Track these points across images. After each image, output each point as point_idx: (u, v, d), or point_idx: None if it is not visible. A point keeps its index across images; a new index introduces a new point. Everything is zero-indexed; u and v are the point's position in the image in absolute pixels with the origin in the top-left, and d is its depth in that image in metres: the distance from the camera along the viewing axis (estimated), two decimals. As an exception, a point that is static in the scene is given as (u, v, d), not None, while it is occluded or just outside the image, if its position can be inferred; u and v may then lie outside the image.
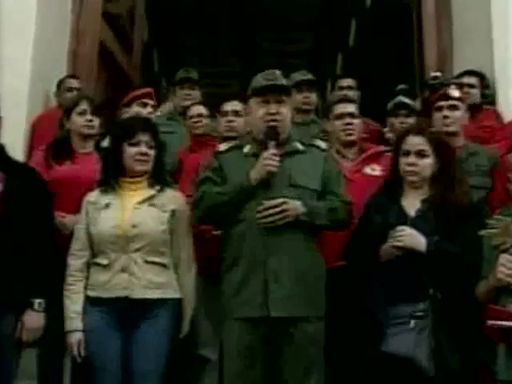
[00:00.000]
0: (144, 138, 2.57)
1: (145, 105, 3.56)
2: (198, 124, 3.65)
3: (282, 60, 9.20)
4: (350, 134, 3.14)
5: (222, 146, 2.72)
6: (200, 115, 3.68)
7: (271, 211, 2.48)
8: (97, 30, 4.61)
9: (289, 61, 9.31)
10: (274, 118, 2.60)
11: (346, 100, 3.27)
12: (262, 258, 2.45)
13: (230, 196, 2.54)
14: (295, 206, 2.50)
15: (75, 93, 4.03)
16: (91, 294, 2.48)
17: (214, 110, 3.58)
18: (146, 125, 2.62)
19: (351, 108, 3.19)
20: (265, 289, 2.45)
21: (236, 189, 2.54)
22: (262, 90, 2.65)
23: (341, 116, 3.16)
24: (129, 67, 5.57)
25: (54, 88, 4.12)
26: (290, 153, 2.62)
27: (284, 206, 2.48)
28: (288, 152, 2.62)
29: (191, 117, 3.74)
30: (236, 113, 3.37)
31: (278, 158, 2.52)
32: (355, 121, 3.16)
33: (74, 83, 4.11)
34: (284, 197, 2.50)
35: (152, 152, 2.58)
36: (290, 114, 2.66)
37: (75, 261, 2.52)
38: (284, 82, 2.67)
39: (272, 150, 2.53)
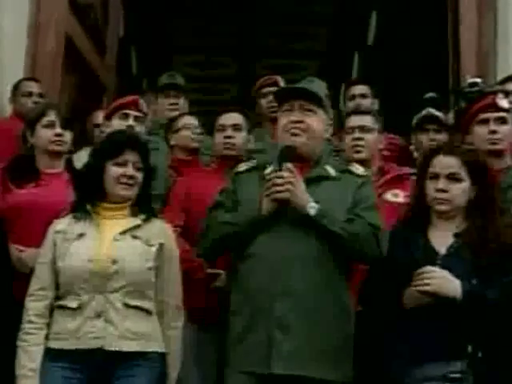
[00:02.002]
0: (132, 157, 2.63)
1: (126, 116, 3.63)
2: (188, 139, 3.77)
3: (289, 61, 9.35)
4: (359, 152, 3.23)
5: (241, 166, 2.83)
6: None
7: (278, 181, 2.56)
8: (62, 24, 4.67)
9: (296, 62, 9.47)
10: (296, 126, 2.69)
11: (358, 111, 3.37)
12: (268, 301, 2.53)
13: (239, 227, 2.63)
14: (301, 189, 2.58)
15: (35, 98, 4.12)
16: (54, 345, 2.49)
17: (208, 123, 3.71)
18: (135, 142, 2.67)
19: (363, 120, 3.29)
20: (270, 339, 2.53)
21: (246, 219, 2.63)
22: (284, 94, 2.74)
23: (350, 130, 3.25)
24: (101, 68, 5.67)
25: (8, 93, 4.20)
26: (317, 178, 2.71)
27: (288, 186, 2.56)
28: (314, 177, 2.70)
29: (178, 130, 3.85)
30: (236, 127, 3.47)
31: (294, 183, 2.59)
32: (367, 135, 3.26)
33: (33, 87, 4.20)
34: (294, 234, 2.58)
35: (139, 175, 2.65)
36: (321, 128, 2.74)
37: (35, 303, 2.54)
38: (315, 87, 2.75)
39: (285, 173, 2.60)
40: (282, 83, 4.41)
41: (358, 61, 9.21)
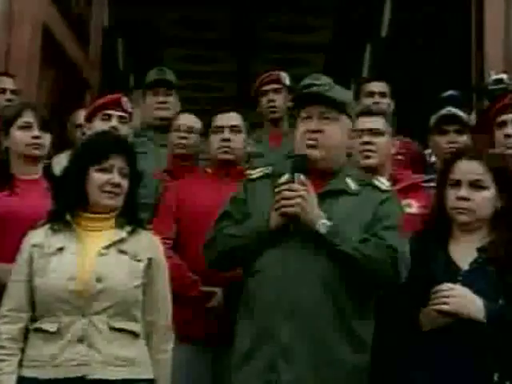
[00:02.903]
0: (118, 162, 2.63)
1: (108, 117, 3.63)
2: (184, 141, 3.75)
3: (291, 55, 9.37)
4: (368, 157, 3.25)
5: (255, 173, 2.85)
6: (190, 129, 3.80)
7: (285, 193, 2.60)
8: (39, 13, 4.66)
9: (299, 56, 9.48)
10: (312, 137, 2.70)
11: (369, 113, 3.38)
12: (273, 324, 2.58)
13: (246, 241, 2.67)
14: (312, 203, 2.60)
15: (8, 95, 4.12)
16: (28, 373, 2.48)
17: (204, 124, 3.71)
18: (121, 145, 2.67)
19: (374, 123, 3.31)
20: (272, 366, 2.57)
21: (253, 233, 2.67)
22: (300, 99, 2.75)
23: (360, 133, 3.28)
24: (84, 63, 5.70)
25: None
26: (335, 192, 2.72)
27: (298, 200, 2.59)
28: (331, 191, 2.71)
29: (176, 130, 3.84)
30: (234, 128, 3.48)
31: (305, 197, 2.60)
32: (378, 139, 3.28)
33: (6, 83, 4.21)
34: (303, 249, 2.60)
35: (125, 182, 2.64)
36: (343, 138, 2.75)
37: (8, 326, 2.53)
38: (337, 92, 2.74)
39: (296, 186, 2.62)
40: (286, 80, 4.41)
41: (370, 55, 9.18)
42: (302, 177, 2.63)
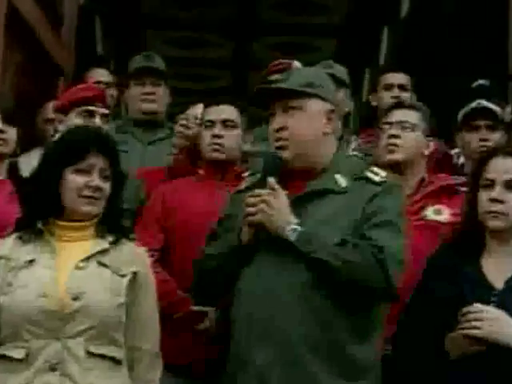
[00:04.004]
0: (98, 162, 2.62)
1: (90, 114, 3.63)
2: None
3: (298, 39, 9.36)
4: (392, 151, 3.27)
5: (244, 182, 2.90)
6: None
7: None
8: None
9: (307, 41, 9.48)
10: (277, 136, 2.74)
11: (400, 105, 3.43)
12: (248, 351, 2.65)
13: (220, 260, 2.72)
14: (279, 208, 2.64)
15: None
16: None
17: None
18: (102, 142, 2.66)
19: (406, 115, 3.34)
20: None
21: (227, 250, 2.72)
22: (263, 97, 2.81)
23: (388, 126, 3.32)
24: (56, 47, 5.68)
25: None
26: (318, 193, 2.73)
27: (261, 206, 2.64)
28: (314, 192, 2.73)
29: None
30: (227, 123, 3.48)
31: (269, 202, 2.64)
32: (407, 134, 3.30)
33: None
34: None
35: (107, 186, 2.63)
36: (313, 125, 2.76)
37: None
38: (293, 78, 2.78)
39: (261, 191, 2.66)
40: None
41: (388, 39, 9.19)
42: (272, 180, 2.67)
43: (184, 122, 3.82)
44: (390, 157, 3.28)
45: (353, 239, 2.63)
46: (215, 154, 3.44)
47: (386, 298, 2.70)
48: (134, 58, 4.44)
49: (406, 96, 4.31)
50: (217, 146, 3.44)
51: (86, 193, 2.60)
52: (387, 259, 2.60)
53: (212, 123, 3.48)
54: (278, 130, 2.74)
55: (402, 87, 4.41)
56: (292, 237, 2.62)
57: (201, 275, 2.84)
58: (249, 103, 3.82)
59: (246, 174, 2.98)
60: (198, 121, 3.70)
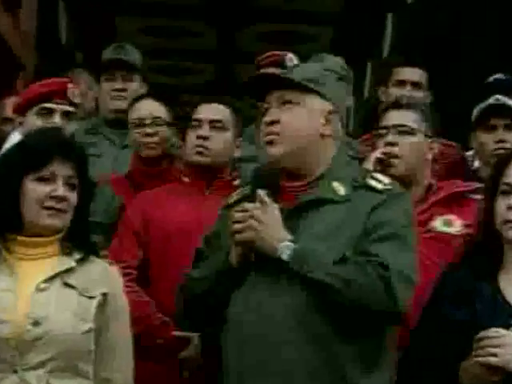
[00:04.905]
0: (63, 170, 2.60)
1: (49, 112, 3.62)
2: (149, 139, 3.77)
3: (291, 27, 9.36)
4: (390, 165, 3.30)
5: (233, 196, 2.89)
6: (156, 120, 3.79)
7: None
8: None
9: (301, 29, 9.48)
10: (269, 131, 2.76)
11: (396, 105, 3.42)
12: (243, 381, 2.66)
13: (208, 284, 2.72)
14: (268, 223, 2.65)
15: None
16: None
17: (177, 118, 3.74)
18: (68, 147, 2.64)
19: (403, 117, 3.35)
20: None
21: (214, 272, 2.73)
22: (257, 86, 2.84)
23: (384, 131, 3.34)
24: (14, 35, 5.69)
25: None
26: (316, 202, 2.74)
27: (251, 222, 2.65)
28: (309, 202, 2.74)
29: (137, 123, 3.81)
30: (215, 124, 3.50)
31: (258, 217, 2.65)
32: (406, 139, 3.32)
33: None
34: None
35: (73, 196, 2.61)
36: (309, 123, 2.77)
37: None
38: (297, 70, 2.83)
39: (249, 205, 2.67)
40: (293, 62, 4.40)
41: (392, 27, 9.20)
42: (262, 193, 2.69)
43: (148, 129, 3.81)
44: (389, 171, 3.27)
45: (354, 256, 2.63)
46: (198, 158, 3.46)
47: (393, 322, 2.71)
48: (106, 50, 4.46)
49: (419, 96, 4.27)
50: (201, 149, 3.46)
51: (49, 204, 2.58)
52: (393, 278, 2.60)
53: (199, 123, 3.50)
54: (269, 124, 2.75)
55: (415, 85, 4.39)
56: (285, 255, 2.62)
57: (186, 302, 2.83)
58: (237, 95, 3.86)
59: (237, 182, 2.99)
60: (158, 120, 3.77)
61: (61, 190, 2.58)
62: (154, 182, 3.67)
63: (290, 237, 2.65)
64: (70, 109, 3.67)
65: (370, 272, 2.60)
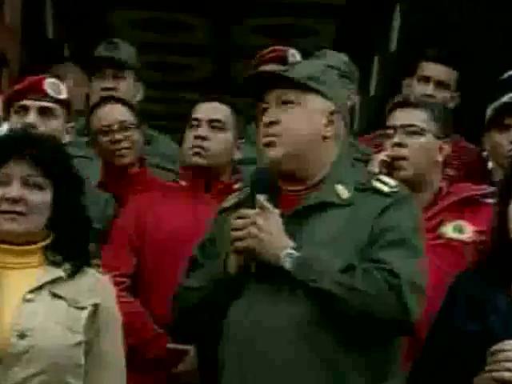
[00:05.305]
0: (20, 170, 2.58)
1: (25, 109, 3.61)
2: (120, 146, 3.79)
3: (291, 21, 9.36)
4: (398, 167, 3.31)
5: (229, 199, 2.90)
6: (124, 124, 3.83)
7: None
8: None
9: (302, 23, 9.49)
10: (268, 133, 2.77)
11: (404, 103, 3.44)
12: None
13: (205, 294, 2.74)
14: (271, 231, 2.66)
15: None
16: None
17: (169, 116, 3.74)
18: (26, 145, 2.61)
19: (409, 116, 3.37)
20: None
21: (209, 282, 2.74)
22: (247, 83, 2.89)
23: (392, 132, 3.36)
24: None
25: None
26: (318, 206, 2.75)
27: (251, 229, 2.66)
28: (313, 206, 2.74)
29: (104, 130, 3.82)
30: (215, 124, 3.51)
31: (260, 225, 2.66)
32: (414, 140, 3.33)
33: None
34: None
35: (37, 196, 2.59)
36: (310, 124, 2.79)
37: None
38: (298, 68, 2.85)
39: (249, 212, 2.68)
40: (295, 59, 4.41)
41: (402, 19, 9.13)
42: (262, 198, 2.70)
43: (117, 136, 3.84)
44: (397, 174, 3.28)
45: (361, 263, 2.64)
46: (196, 159, 3.47)
47: (405, 332, 2.72)
48: (98, 46, 4.48)
49: (443, 96, 4.26)
50: (199, 150, 3.47)
51: (4, 207, 2.56)
52: (403, 286, 2.61)
53: (197, 122, 3.52)
54: (269, 125, 2.77)
55: (440, 84, 4.35)
56: (288, 264, 2.63)
57: (181, 312, 2.85)
58: (235, 94, 3.86)
59: (237, 186, 3.00)
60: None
61: (15, 191, 2.56)
62: (127, 189, 3.72)
63: (292, 244, 2.66)
64: (48, 105, 3.64)
65: (380, 280, 2.61)
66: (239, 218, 2.70)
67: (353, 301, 2.61)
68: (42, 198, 2.58)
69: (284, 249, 2.65)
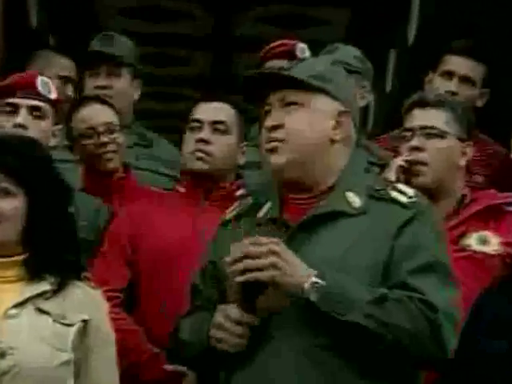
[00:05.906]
0: None
1: (14, 108, 3.61)
2: (106, 149, 3.81)
3: (300, 10, 9.37)
4: (416, 173, 3.31)
5: (231, 211, 2.89)
6: (109, 126, 3.85)
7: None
8: None
9: (312, 13, 9.50)
10: (272, 137, 2.76)
11: (422, 103, 3.42)
12: None
13: (196, 351, 2.72)
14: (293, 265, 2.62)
15: None
16: None
17: (166, 114, 3.75)
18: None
19: (428, 118, 3.37)
20: None
21: (203, 339, 2.69)
22: (249, 82, 2.87)
23: (409, 134, 3.36)
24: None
25: None
26: (327, 217, 2.74)
27: (271, 259, 2.59)
28: (318, 217, 2.75)
29: (88, 133, 3.84)
30: (218, 126, 3.52)
31: (280, 252, 2.61)
32: (433, 144, 3.33)
33: None
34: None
35: (6, 204, 2.62)
36: (315, 127, 2.77)
37: None
38: (300, 67, 2.83)
39: (259, 239, 2.63)
40: (304, 54, 4.40)
41: (420, 9, 9.12)
42: (267, 229, 2.69)
43: (104, 138, 3.85)
44: (415, 181, 3.29)
45: (392, 292, 2.60)
46: (197, 164, 3.47)
47: (436, 368, 2.70)
48: (92, 42, 4.48)
49: (469, 93, 4.23)
50: (201, 154, 3.47)
51: None
52: (443, 321, 2.58)
53: (199, 124, 3.52)
54: (272, 129, 2.76)
55: (466, 79, 4.27)
56: (313, 296, 2.58)
57: (186, 360, 2.89)
58: (235, 90, 3.87)
59: (240, 192, 3.00)
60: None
61: None
62: (112, 195, 3.76)
63: (315, 272, 2.59)
64: (40, 104, 3.62)
65: (416, 313, 2.57)
66: (254, 244, 2.62)
67: (388, 337, 2.57)
68: (12, 205, 2.60)
69: (307, 277, 2.59)
